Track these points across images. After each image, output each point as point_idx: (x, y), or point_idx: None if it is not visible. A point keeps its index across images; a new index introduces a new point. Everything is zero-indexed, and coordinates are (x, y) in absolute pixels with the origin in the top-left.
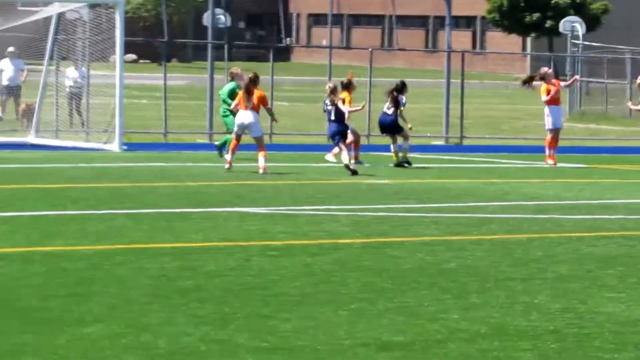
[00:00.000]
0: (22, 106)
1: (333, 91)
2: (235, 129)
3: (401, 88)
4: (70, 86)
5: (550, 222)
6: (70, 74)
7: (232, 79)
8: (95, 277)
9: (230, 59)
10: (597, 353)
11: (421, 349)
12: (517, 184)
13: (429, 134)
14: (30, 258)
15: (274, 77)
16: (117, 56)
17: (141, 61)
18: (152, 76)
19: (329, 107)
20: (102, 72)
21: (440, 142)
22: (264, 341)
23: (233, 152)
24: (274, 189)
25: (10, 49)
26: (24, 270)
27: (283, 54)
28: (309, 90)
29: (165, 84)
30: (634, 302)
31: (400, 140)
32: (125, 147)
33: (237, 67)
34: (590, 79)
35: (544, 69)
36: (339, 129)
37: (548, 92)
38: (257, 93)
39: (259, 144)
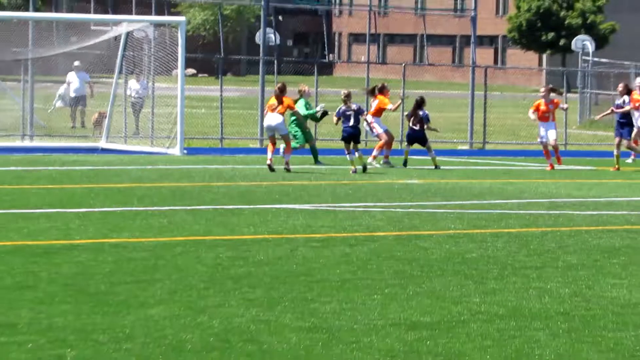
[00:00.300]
0: (95, 115)
1: (348, 96)
2: (266, 132)
3: (421, 103)
4: (133, 96)
5: (562, 217)
6: (133, 85)
7: (301, 96)
8: (158, 266)
9: (279, 73)
10: (601, 332)
11: (446, 328)
12: (533, 184)
13: (455, 140)
14: (100, 248)
15: (318, 89)
16: (179, 70)
17: (200, 75)
18: (209, 88)
19: (348, 113)
20: (165, 85)
21: (465, 147)
22: (306, 321)
23: (272, 153)
24: (317, 188)
25: (76, 63)
26: (95, 259)
27: (326, 69)
28: None
29: (221, 95)
30: (635, 288)
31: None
32: (185, 151)
33: (303, 84)
34: (599, 91)
35: (542, 90)
36: (354, 132)
37: (535, 108)
38: (285, 100)
39: (286, 142)
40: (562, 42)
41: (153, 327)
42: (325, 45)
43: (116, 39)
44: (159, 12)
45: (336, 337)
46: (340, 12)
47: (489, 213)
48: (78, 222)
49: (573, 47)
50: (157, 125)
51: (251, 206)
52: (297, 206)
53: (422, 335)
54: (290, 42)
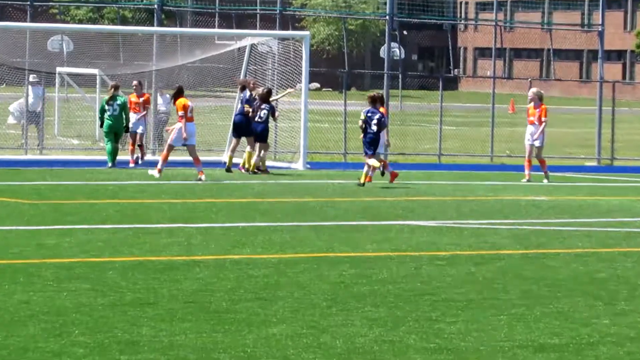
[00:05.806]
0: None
1: (374, 100)
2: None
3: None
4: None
5: None
6: (158, 100)
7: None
8: (280, 283)
9: (404, 88)
10: None
11: (574, 351)
12: None
13: (582, 156)
14: (222, 265)
15: (443, 104)
16: (303, 84)
17: (324, 89)
18: (333, 102)
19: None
20: (289, 99)
21: (593, 163)
22: (431, 342)
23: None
24: (441, 204)
25: (32, 77)
26: (216, 276)
27: (451, 83)
28: (474, 116)
29: (345, 110)
30: None
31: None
32: (308, 166)
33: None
34: None
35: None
36: (377, 138)
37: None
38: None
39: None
40: None
41: (275, 347)
42: (451, 60)
43: (239, 50)
44: (284, 27)
45: (462, 359)
46: (466, 27)
47: (617, 231)
48: (200, 238)
49: None
50: (281, 140)
51: (374, 222)
52: (421, 222)
53: (550, 357)
54: (415, 57)
